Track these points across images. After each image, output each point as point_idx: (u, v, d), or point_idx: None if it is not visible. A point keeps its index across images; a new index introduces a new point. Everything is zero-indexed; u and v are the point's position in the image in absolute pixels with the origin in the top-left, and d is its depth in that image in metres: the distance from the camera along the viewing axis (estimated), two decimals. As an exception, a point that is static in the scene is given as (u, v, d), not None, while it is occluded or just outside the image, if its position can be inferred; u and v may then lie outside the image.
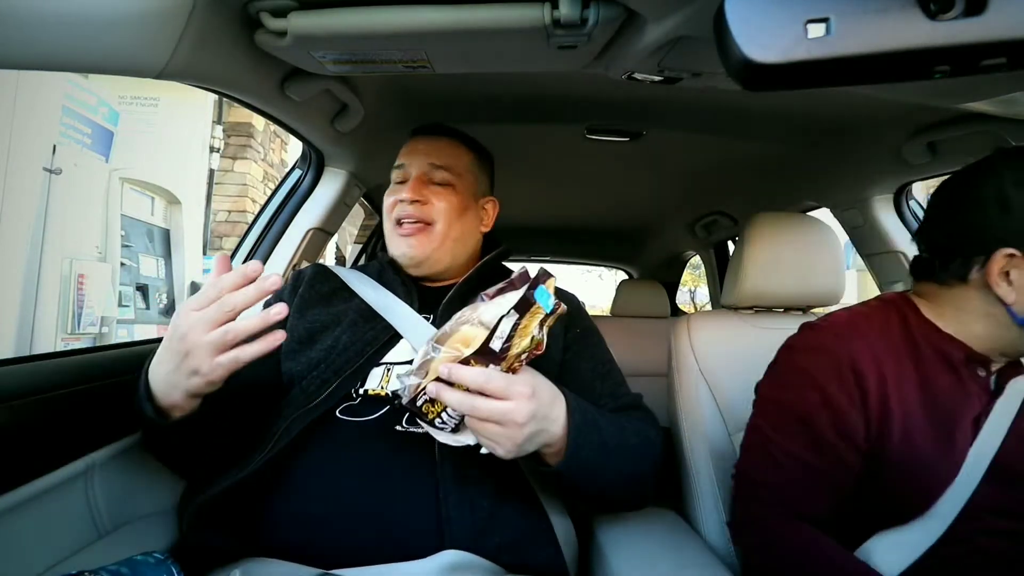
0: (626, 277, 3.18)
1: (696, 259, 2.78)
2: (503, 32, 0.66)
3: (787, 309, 1.12)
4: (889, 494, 0.70)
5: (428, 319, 0.84)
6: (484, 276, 0.90)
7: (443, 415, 0.61)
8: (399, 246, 0.88)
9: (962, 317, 0.73)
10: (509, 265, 0.99)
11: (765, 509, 0.74)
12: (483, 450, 0.63)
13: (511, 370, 0.61)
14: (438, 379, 0.60)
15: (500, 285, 0.64)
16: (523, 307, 0.59)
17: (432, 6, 0.64)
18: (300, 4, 0.66)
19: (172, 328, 0.61)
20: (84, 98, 3.20)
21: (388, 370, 0.79)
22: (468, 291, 0.87)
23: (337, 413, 0.74)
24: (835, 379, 0.71)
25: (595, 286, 12.74)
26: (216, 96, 1.73)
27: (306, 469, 0.70)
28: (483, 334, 0.59)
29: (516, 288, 0.62)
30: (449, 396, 0.59)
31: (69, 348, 2.54)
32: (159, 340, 1.07)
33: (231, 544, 0.66)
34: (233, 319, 0.59)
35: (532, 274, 0.64)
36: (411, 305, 0.85)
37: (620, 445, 0.71)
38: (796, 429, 0.72)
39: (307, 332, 0.84)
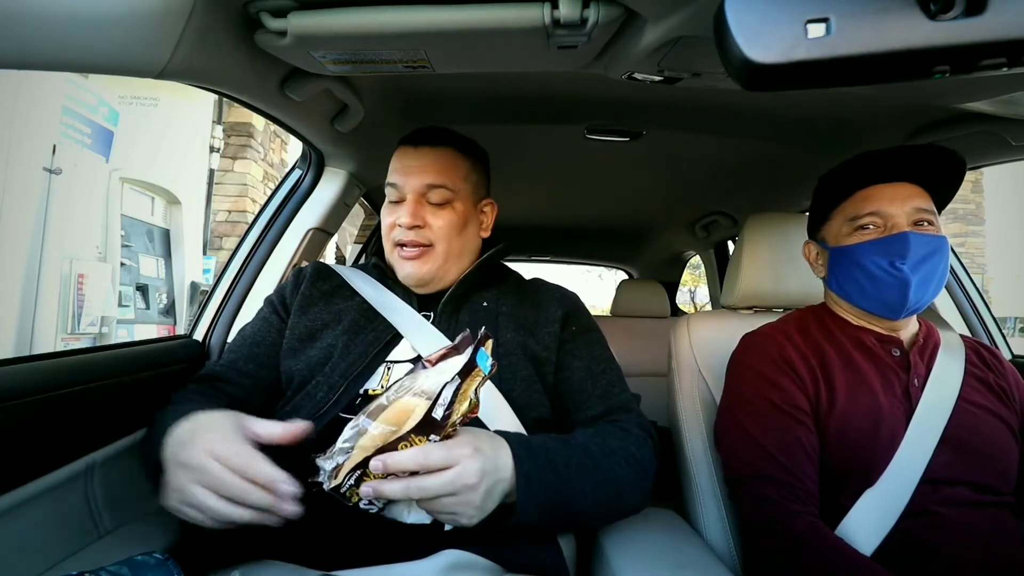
0: (626, 277, 3.18)
1: (696, 259, 2.78)
2: (503, 32, 0.66)
3: (786, 309, 1.12)
4: (840, 456, 0.78)
5: (428, 318, 0.84)
6: (482, 275, 0.90)
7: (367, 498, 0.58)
8: (402, 268, 0.86)
9: (840, 306, 0.90)
10: (508, 264, 0.99)
11: (773, 506, 0.75)
12: (447, 527, 0.60)
13: (447, 436, 0.58)
14: (476, 409, 0.58)
15: (442, 350, 0.61)
16: (466, 372, 0.57)
17: (432, 6, 0.64)
18: (300, 4, 0.66)
19: (189, 441, 0.58)
20: (84, 98, 3.19)
21: (388, 368, 0.79)
22: (468, 289, 0.87)
23: (339, 413, 0.74)
24: (773, 366, 0.85)
25: (595, 286, 12.74)
26: (216, 96, 1.73)
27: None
28: (424, 405, 0.56)
29: (460, 352, 0.59)
30: (391, 489, 0.55)
31: (69, 348, 2.54)
32: (159, 340, 1.08)
33: (231, 544, 0.66)
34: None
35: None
36: (411, 304, 0.85)
37: (586, 477, 0.68)
38: (762, 409, 0.83)
39: (308, 331, 0.84)
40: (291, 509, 0.55)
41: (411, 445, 0.56)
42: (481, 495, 0.58)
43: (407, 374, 0.60)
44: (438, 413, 0.56)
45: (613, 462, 0.71)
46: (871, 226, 0.82)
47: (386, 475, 0.56)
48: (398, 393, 0.58)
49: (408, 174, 0.85)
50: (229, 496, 0.54)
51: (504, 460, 0.62)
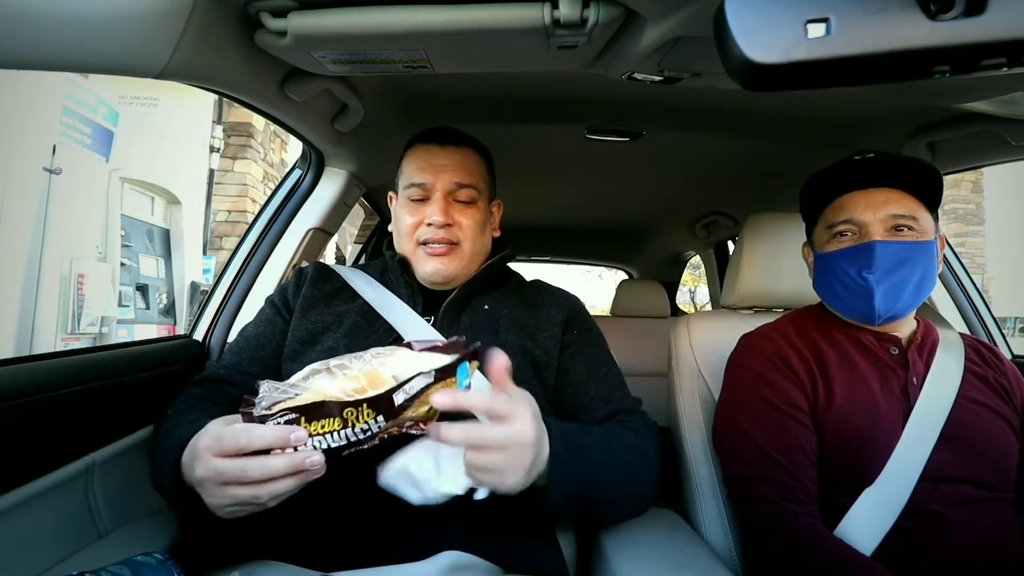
0: (626, 277, 3.18)
1: (696, 259, 2.78)
2: (503, 32, 0.66)
3: (786, 309, 1.12)
4: (839, 455, 0.78)
5: (429, 320, 0.84)
6: (488, 278, 0.90)
7: (325, 437, 0.53)
8: (427, 264, 0.85)
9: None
10: (509, 265, 0.98)
11: (772, 507, 0.75)
12: (478, 495, 0.57)
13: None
14: (430, 420, 0.55)
15: (433, 343, 0.60)
16: (443, 375, 0.55)
17: (432, 6, 0.64)
18: (300, 4, 0.66)
19: (193, 460, 0.57)
20: (84, 98, 3.20)
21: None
22: (471, 293, 0.87)
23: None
24: (771, 366, 0.85)
25: (595, 286, 12.75)
26: (216, 96, 1.73)
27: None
28: (390, 383, 0.54)
29: (448, 353, 0.58)
30: (452, 434, 0.53)
31: (69, 348, 2.54)
32: (159, 340, 1.08)
33: (231, 545, 0.66)
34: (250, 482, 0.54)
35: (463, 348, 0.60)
36: (415, 307, 0.85)
37: (610, 466, 0.69)
38: (760, 409, 0.83)
39: (309, 333, 0.84)
40: (315, 458, 0.53)
41: (354, 421, 0.53)
42: (531, 459, 0.57)
43: (389, 345, 0.59)
44: (399, 398, 0.53)
45: (632, 456, 0.72)
46: (847, 233, 0.83)
47: (400, 430, 0.54)
48: (375, 360, 0.56)
49: (437, 172, 0.85)
50: (252, 479, 0.53)
51: (546, 438, 0.62)
